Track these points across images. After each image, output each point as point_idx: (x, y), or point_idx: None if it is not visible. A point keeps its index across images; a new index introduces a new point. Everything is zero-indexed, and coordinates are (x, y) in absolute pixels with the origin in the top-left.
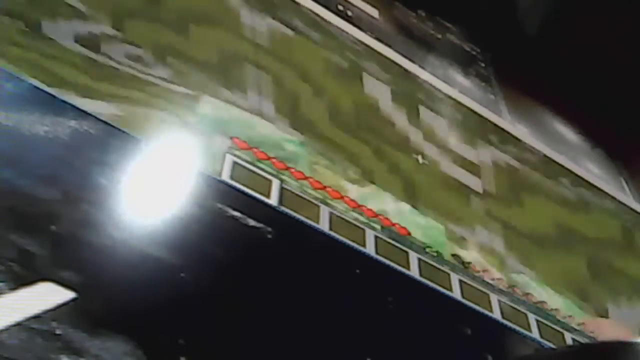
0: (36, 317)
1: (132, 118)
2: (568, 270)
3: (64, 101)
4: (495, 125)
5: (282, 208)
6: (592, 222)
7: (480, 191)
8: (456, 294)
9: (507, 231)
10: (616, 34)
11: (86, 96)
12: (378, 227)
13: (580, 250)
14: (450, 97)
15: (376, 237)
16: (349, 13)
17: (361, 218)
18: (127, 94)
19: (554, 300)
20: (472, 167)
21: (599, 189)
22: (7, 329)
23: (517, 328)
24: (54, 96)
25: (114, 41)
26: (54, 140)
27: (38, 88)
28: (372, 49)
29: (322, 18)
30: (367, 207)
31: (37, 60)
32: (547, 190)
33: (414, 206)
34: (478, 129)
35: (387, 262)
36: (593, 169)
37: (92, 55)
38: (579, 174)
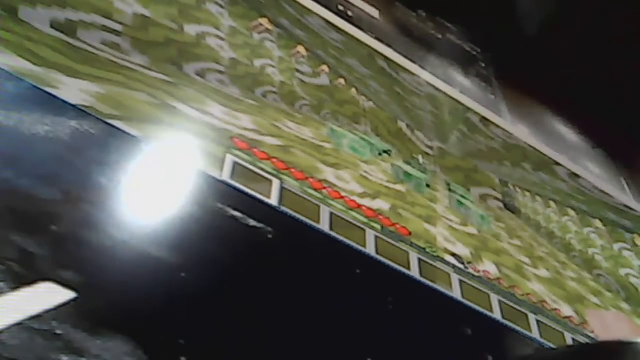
0: (37, 317)
1: (116, 96)
2: None
3: (64, 101)
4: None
5: (283, 208)
6: None
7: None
8: (456, 294)
9: None
10: (616, 34)
11: (72, 76)
12: (378, 227)
13: None
14: (450, 97)
15: (376, 237)
16: (350, 13)
17: (361, 218)
18: (108, 76)
19: None
20: None
21: None
22: (8, 328)
23: (517, 328)
24: (54, 96)
25: (91, 28)
26: (55, 140)
27: (38, 88)
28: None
29: (324, 19)
30: (367, 206)
31: (21, 42)
32: None
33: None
34: None
35: (388, 262)
36: (593, 169)
37: (70, 40)
38: None
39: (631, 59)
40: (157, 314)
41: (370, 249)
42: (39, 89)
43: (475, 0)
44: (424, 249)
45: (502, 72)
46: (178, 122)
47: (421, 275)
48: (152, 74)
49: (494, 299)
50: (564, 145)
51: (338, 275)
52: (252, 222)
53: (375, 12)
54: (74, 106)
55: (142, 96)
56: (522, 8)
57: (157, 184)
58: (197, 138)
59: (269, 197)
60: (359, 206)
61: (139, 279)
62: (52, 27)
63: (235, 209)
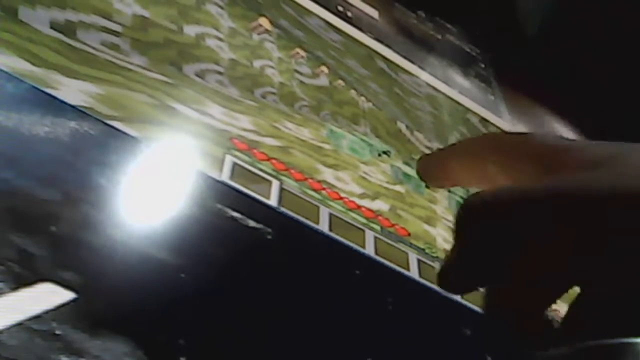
0: (36, 318)
1: (115, 97)
2: None
3: (63, 102)
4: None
5: (282, 209)
6: None
7: None
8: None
9: None
10: (616, 34)
11: (71, 77)
12: (378, 227)
13: None
14: (449, 97)
15: (376, 238)
16: (349, 14)
17: (360, 219)
18: (107, 77)
19: None
20: None
21: None
22: (8, 329)
23: None
24: (54, 97)
25: (90, 29)
26: (54, 140)
27: (38, 89)
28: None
29: (324, 19)
30: (366, 207)
31: (21, 43)
32: None
33: None
34: None
35: (387, 263)
36: None
37: (69, 40)
38: None
39: (632, 59)
40: (157, 314)
41: (369, 250)
42: (38, 89)
43: (475, 0)
44: (423, 249)
45: (502, 73)
46: (177, 123)
47: (420, 275)
48: (151, 75)
49: None
50: None
51: (337, 276)
52: (252, 223)
53: (374, 13)
54: (73, 107)
55: (141, 97)
56: (522, 8)
57: (157, 185)
58: (196, 139)
59: (268, 197)
60: (359, 207)
61: (139, 279)
62: (51, 27)
63: (234, 210)
